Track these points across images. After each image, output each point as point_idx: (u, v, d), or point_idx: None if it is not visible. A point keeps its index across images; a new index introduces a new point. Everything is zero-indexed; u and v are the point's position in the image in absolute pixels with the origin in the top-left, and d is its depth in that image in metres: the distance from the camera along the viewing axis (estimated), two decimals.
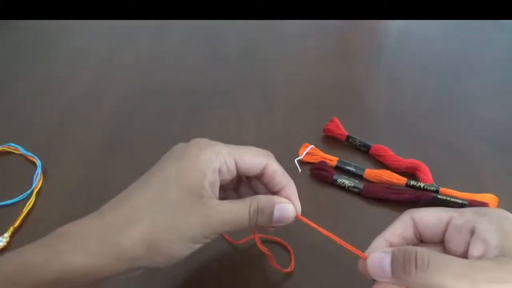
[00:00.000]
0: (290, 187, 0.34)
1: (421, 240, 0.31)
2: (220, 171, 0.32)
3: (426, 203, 0.47)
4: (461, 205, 0.44)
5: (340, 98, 0.65)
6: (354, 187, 0.48)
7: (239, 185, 0.37)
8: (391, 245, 0.31)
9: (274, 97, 0.65)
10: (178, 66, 0.72)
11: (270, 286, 0.40)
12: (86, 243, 0.28)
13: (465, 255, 0.28)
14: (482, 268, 0.24)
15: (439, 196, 0.46)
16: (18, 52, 0.76)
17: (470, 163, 0.53)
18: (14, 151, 0.53)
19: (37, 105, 0.62)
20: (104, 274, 0.29)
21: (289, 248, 0.42)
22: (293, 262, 0.41)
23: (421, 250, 0.26)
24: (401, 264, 0.26)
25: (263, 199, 0.32)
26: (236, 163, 0.33)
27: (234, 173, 0.33)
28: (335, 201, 0.48)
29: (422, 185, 0.48)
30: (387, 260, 0.27)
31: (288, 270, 0.40)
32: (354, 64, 0.73)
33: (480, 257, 0.26)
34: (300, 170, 0.51)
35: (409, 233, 0.30)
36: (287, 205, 0.33)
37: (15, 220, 0.44)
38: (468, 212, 0.29)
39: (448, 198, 0.45)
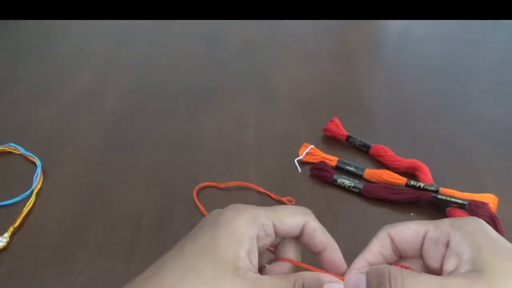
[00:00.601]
0: (333, 248, 0.31)
1: (400, 256, 0.31)
2: (258, 238, 0.29)
3: (426, 203, 0.47)
4: (461, 205, 0.44)
5: (340, 98, 0.65)
6: (354, 187, 0.48)
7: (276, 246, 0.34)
8: (371, 264, 0.30)
9: (274, 97, 0.65)
10: (178, 66, 0.72)
11: None
12: None
13: (441, 270, 0.28)
14: (454, 284, 0.24)
15: (439, 196, 0.46)
16: (18, 52, 0.76)
17: (470, 163, 0.53)
18: (14, 151, 0.53)
19: (37, 105, 0.62)
20: None
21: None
22: None
23: (394, 270, 0.25)
24: (375, 285, 0.25)
25: (309, 277, 0.29)
26: (274, 226, 0.30)
27: (273, 236, 0.31)
28: (335, 201, 0.48)
29: (422, 185, 0.47)
30: (362, 281, 0.27)
31: None
32: (354, 64, 0.73)
33: (452, 272, 0.26)
34: (300, 170, 0.51)
35: (387, 250, 0.30)
36: (337, 284, 0.29)
37: (15, 220, 0.44)
38: (444, 224, 0.28)
39: (448, 198, 0.45)
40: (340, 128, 0.56)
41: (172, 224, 0.45)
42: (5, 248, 0.42)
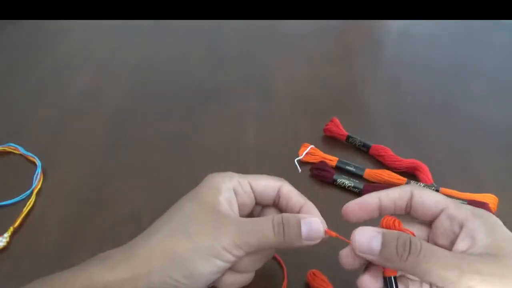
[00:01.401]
0: (309, 205, 0.34)
1: (407, 213, 0.32)
2: (236, 192, 0.33)
3: None
4: None
5: (340, 98, 0.65)
6: (354, 187, 0.48)
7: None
8: (381, 205, 0.32)
9: (274, 97, 0.65)
10: (178, 66, 0.72)
11: None
12: (109, 262, 0.29)
13: (447, 246, 0.29)
14: (470, 261, 0.26)
15: None
16: (18, 52, 0.76)
17: (470, 163, 0.53)
18: (14, 151, 0.53)
19: (37, 105, 0.62)
20: None
21: (283, 264, 0.40)
22: (286, 281, 0.39)
23: (414, 238, 0.27)
24: (394, 246, 0.27)
25: (286, 214, 0.31)
26: (251, 185, 0.34)
27: (251, 195, 0.34)
28: (335, 201, 0.48)
29: (422, 185, 0.47)
30: (377, 239, 0.27)
31: None
32: (354, 64, 0.73)
33: (464, 252, 0.27)
34: (300, 170, 0.51)
35: (402, 202, 0.31)
36: (314, 219, 0.31)
37: (15, 220, 0.44)
38: (464, 208, 0.29)
39: None
40: (340, 128, 0.56)
41: None
42: (5, 248, 0.42)
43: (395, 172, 0.50)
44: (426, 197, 0.30)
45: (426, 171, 0.49)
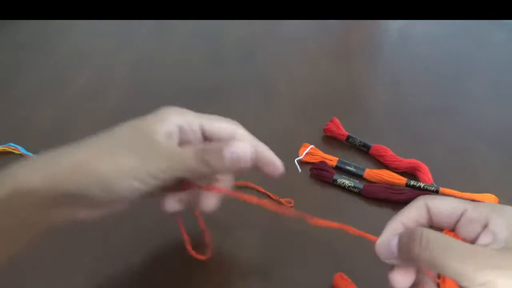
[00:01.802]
0: (263, 149, 0.34)
1: (431, 226, 0.31)
2: (182, 129, 0.32)
3: None
4: None
5: (340, 98, 0.65)
6: (354, 187, 0.48)
7: None
8: (406, 228, 0.31)
9: (274, 97, 0.65)
10: (178, 66, 0.72)
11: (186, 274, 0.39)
12: (33, 165, 0.30)
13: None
14: (486, 254, 0.25)
15: None
16: (18, 52, 0.76)
17: (470, 163, 0.53)
18: (14, 151, 0.53)
19: (37, 105, 0.62)
20: (43, 194, 0.29)
21: (205, 232, 0.38)
22: (210, 248, 0.37)
23: (427, 230, 0.26)
24: (405, 243, 0.26)
25: (214, 143, 0.32)
26: (202, 126, 0.33)
27: (199, 135, 0.33)
28: (335, 201, 0.48)
29: (422, 185, 0.47)
30: (394, 241, 0.27)
31: (204, 257, 0.37)
32: (354, 64, 0.73)
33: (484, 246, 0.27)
34: (300, 170, 0.51)
35: (423, 218, 0.30)
36: (240, 143, 0.31)
37: None
38: (483, 207, 0.29)
39: None
40: (340, 128, 0.56)
41: (172, 224, 0.45)
42: None
43: (395, 172, 0.50)
44: (442, 206, 0.30)
45: (426, 171, 0.49)
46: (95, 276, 0.40)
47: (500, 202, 0.46)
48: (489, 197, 0.46)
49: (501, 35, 0.83)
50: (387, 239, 0.28)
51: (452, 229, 0.30)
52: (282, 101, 0.64)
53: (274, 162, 0.34)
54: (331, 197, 0.48)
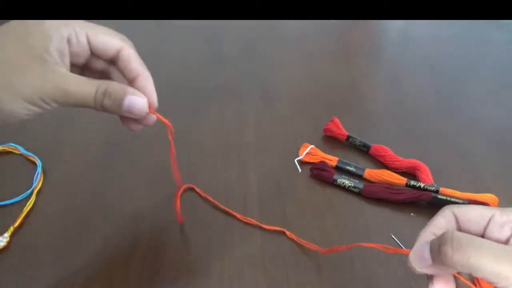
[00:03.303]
0: (145, 77, 0.33)
1: None
2: (69, 42, 0.31)
3: (426, 203, 0.47)
4: None
5: (340, 98, 0.65)
6: (354, 187, 0.48)
7: (94, 71, 0.36)
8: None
9: (274, 97, 0.65)
10: (178, 66, 0.72)
11: None
12: None
13: None
14: None
15: (439, 196, 0.46)
16: None
17: (470, 163, 0.53)
18: (14, 151, 0.53)
19: None
20: None
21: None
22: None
23: (458, 232, 0.26)
24: (437, 248, 0.26)
25: (115, 84, 0.31)
26: (88, 38, 0.32)
27: (86, 48, 0.32)
28: (335, 201, 0.48)
29: (422, 185, 0.47)
30: (426, 249, 0.27)
31: None
32: (354, 64, 0.73)
33: None
34: (300, 170, 0.51)
35: (452, 227, 0.30)
36: (140, 98, 0.32)
37: (15, 220, 0.44)
38: (510, 210, 0.29)
39: (448, 198, 0.45)
40: (340, 128, 0.56)
41: (172, 224, 0.45)
42: (5, 248, 0.42)
43: (395, 172, 0.50)
44: (469, 214, 0.30)
45: (426, 171, 0.49)
46: None
47: (500, 202, 0.46)
48: (489, 197, 0.46)
49: (502, 35, 0.83)
50: (420, 249, 0.28)
51: (482, 235, 0.30)
52: (282, 101, 0.64)
53: (150, 94, 0.34)
54: (331, 197, 0.48)
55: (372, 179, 0.50)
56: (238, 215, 0.45)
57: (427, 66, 0.73)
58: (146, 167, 0.52)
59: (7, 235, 0.42)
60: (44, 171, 0.50)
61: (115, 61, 0.33)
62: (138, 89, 0.33)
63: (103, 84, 0.31)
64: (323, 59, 0.74)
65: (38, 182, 0.49)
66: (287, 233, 0.43)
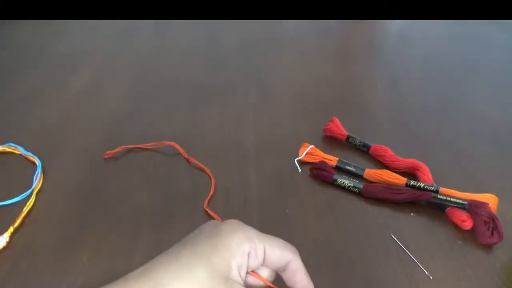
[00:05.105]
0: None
1: None
2: (249, 256, 0.32)
3: (426, 203, 0.47)
4: (461, 205, 0.44)
5: (340, 98, 0.65)
6: (354, 187, 0.48)
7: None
8: None
9: (274, 97, 0.65)
10: (177, 66, 0.72)
11: None
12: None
13: None
14: None
15: (439, 196, 0.46)
16: (18, 52, 0.76)
17: (470, 163, 0.53)
18: (14, 151, 0.53)
19: (37, 105, 0.62)
20: None
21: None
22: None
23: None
24: None
25: None
26: (264, 251, 0.32)
27: (261, 261, 0.33)
28: (335, 201, 0.48)
29: (422, 185, 0.47)
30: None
31: None
32: (354, 64, 0.73)
33: None
34: (300, 170, 0.51)
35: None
36: None
37: (15, 220, 0.44)
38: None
39: (448, 198, 0.45)
40: (340, 128, 0.56)
41: (172, 224, 0.45)
42: (5, 248, 0.42)
43: (395, 172, 0.50)
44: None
45: (426, 171, 0.49)
46: None
47: (500, 202, 0.46)
48: (489, 197, 0.46)
49: (502, 35, 0.83)
50: None
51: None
52: (282, 101, 0.64)
53: None
54: (331, 197, 0.48)
55: (372, 179, 0.50)
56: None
57: (427, 66, 0.73)
58: (146, 167, 0.52)
59: (7, 235, 0.42)
60: (44, 171, 0.50)
61: (281, 270, 0.34)
62: None
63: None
64: (323, 59, 0.75)
65: (38, 182, 0.49)
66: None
